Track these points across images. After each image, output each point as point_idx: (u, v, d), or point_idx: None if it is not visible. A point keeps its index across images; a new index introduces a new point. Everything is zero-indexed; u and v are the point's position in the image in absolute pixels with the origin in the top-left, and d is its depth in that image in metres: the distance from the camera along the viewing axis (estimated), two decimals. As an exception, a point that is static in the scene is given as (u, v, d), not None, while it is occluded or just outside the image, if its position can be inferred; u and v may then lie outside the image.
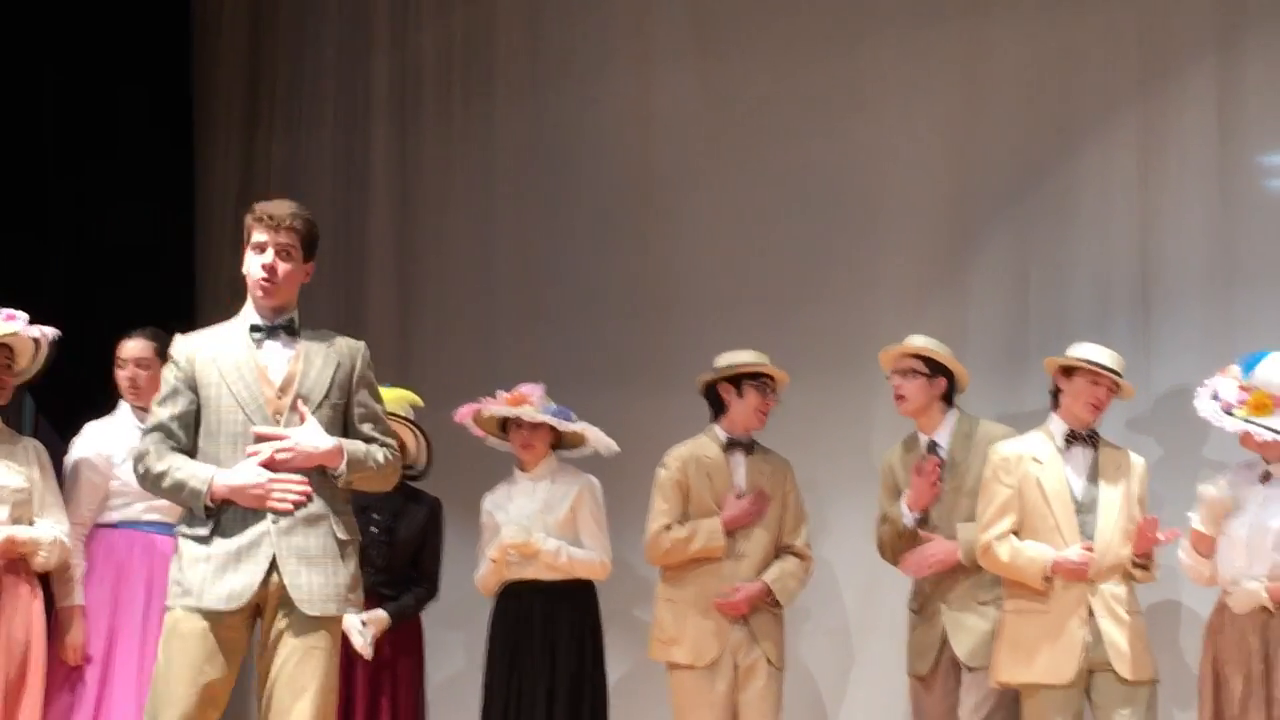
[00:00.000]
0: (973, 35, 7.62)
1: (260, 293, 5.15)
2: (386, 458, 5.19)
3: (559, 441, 7.05)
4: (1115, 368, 6.28)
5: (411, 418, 7.02)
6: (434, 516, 7.06)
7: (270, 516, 4.98)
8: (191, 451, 5.09)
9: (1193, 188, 7.09)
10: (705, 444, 6.84)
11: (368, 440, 5.17)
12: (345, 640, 6.69)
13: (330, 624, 5.03)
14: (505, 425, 7.04)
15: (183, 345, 5.19)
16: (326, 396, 5.13)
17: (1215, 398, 6.05)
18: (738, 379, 6.81)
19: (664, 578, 6.82)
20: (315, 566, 5.00)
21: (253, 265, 5.14)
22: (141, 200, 8.64)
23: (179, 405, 5.10)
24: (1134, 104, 7.24)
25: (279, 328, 5.17)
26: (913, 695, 6.62)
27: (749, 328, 7.49)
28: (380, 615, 6.79)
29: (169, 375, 5.15)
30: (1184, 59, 7.16)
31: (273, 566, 4.96)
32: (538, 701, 6.80)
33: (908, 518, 6.50)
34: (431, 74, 8.83)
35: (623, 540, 7.11)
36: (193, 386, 5.10)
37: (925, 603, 6.53)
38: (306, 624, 4.97)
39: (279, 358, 5.14)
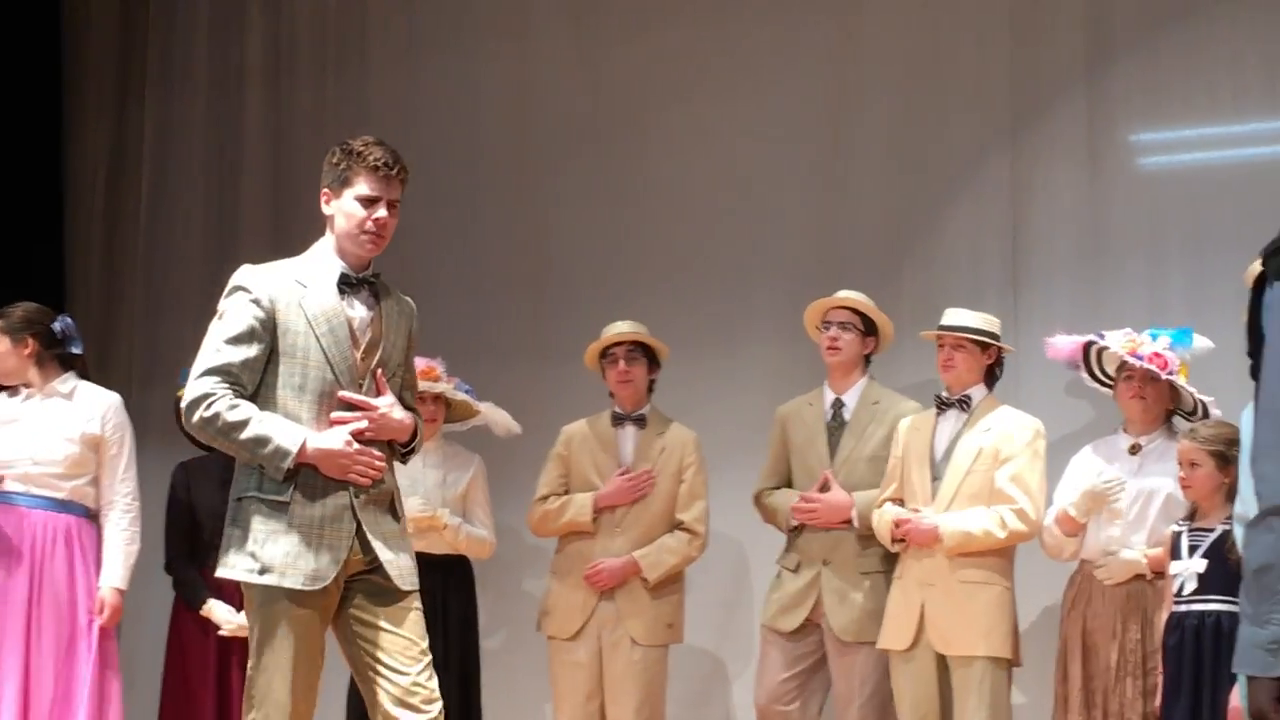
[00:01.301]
0: (847, 12, 7.66)
1: (369, 247, 4.70)
2: (421, 430, 4.88)
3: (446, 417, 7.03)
4: (963, 325, 6.30)
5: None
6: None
7: (352, 490, 4.61)
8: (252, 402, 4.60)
9: (1062, 165, 7.17)
10: (602, 418, 6.84)
11: (408, 409, 4.84)
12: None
13: (416, 597, 4.72)
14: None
15: (259, 280, 4.65)
16: (399, 364, 4.80)
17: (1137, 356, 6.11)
18: (604, 352, 6.80)
19: (556, 550, 6.83)
20: (392, 543, 4.67)
21: (356, 215, 4.67)
22: (5, 168, 8.48)
23: (253, 349, 4.57)
24: (1005, 80, 7.32)
25: (364, 283, 4.75)
26: (765, 646, 6.56)
27: (627, 299, 7.50)
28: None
29: (244, 312, 4.59)
30: (1056, 36, 7.24)
31: (353, 542, 4.60)
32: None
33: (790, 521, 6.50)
34: (305, 42, 8.75)
35: (505, 510, 7.11)
36: (271, 330, 4.59)
37: (803, 563, 6.49)
38: (395, 596, 4.66)
39: (362, 316, 4.72)
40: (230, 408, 4.50)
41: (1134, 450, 6.17)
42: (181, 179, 8.82)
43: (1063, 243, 7.15)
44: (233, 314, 4.59)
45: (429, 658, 4.65)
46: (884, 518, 6.26)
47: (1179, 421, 6.22)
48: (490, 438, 7.15)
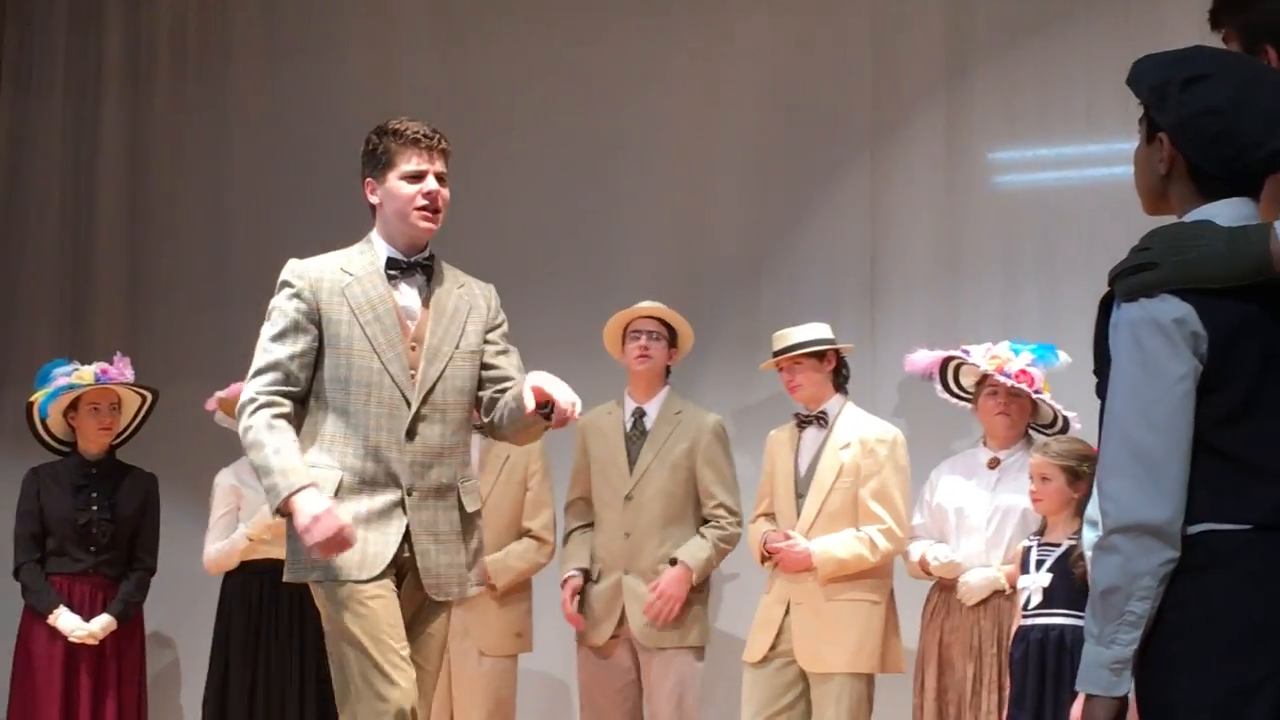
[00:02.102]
0: (713, 24, 7.70)
1: (424, 225, 4.56)
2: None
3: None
4: (792, 344, 6.30)
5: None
6: (152, 492, 6.96)
7: (405, 485, 4.47)
8: (306, 398, 4.50)
9: (920, 181, 7.25)
10: None
11: (501, 382, 4.63)
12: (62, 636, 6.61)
13: (448, 607, 4.62)
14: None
15: (301, 271, 4.56)
16: (458, 346, 4.59)
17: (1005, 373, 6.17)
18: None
19: None
20: (443, 545, 4.53)
21: (405, 194, 4.54)
22: None
23: (300, 342, 4.46)
24: (866, 97, 7.38)
25: (416, 266, 4.61)
26: (583, 662, 6.54)
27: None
28: (107, 621, 6.67)
29: (287, 306, 4.49)
30: (915, 55, 7.32)
31: (405, 540, 4.48)
32: (289, 683, 6.70)
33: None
34: (166, 43, 8.65)
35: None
36: (316, 321, 4.48)
37: (605, 571, 6.45)
38: (423, 607, 4.56)
39: (413, 301, 4.58)
40: (265, 426, 4.35)
41: (993, 464, 6.23)
42: (36, 181, 8.69)
43: (920, 258, 7.23)
44: (277, 310, 4.51)
45: (431, 688, 4.59)
46: (754, 536, 6.30)
47: (1035, 436, 6.29)
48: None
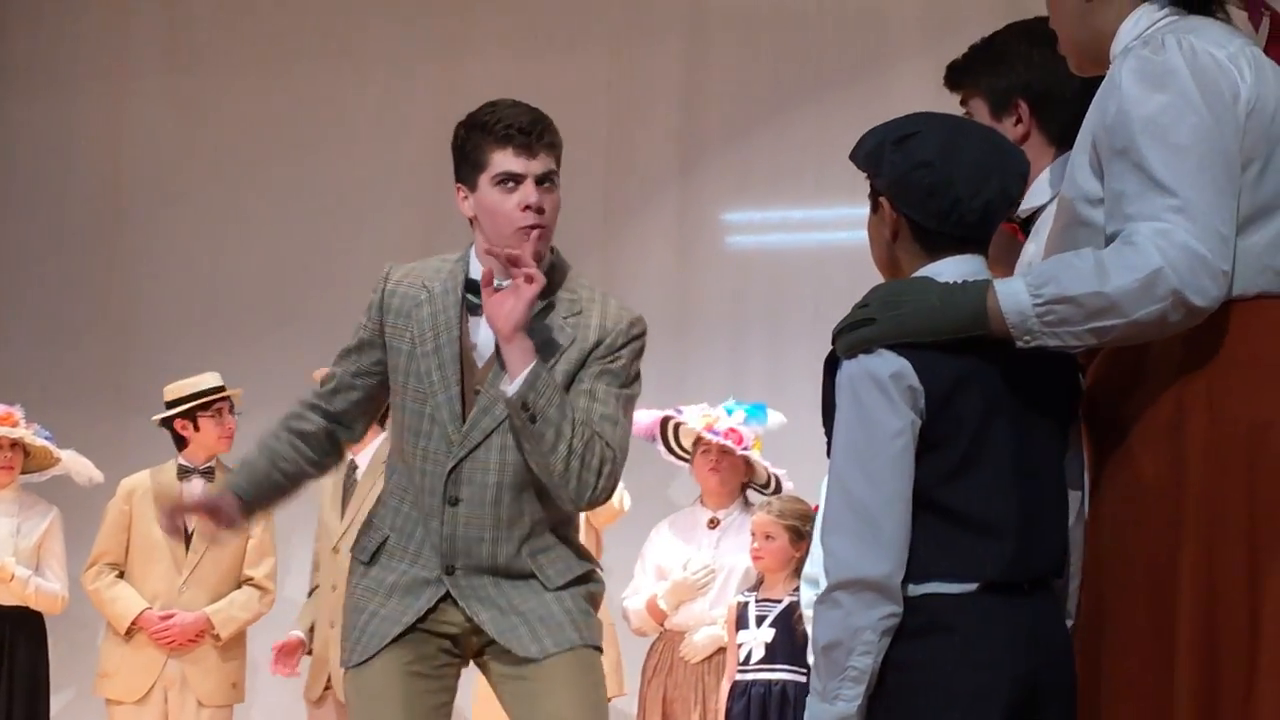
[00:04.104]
0: (450, 71, 7.73)
1: (528, 246, 3.58)
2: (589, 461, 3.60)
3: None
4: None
5: None
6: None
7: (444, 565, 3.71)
8: (356, 423, 3.85)
9: (654, 242, 7.32)
10: (166, 469, 6.69)
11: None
12: None
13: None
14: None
15: (389, 278, 3.77)
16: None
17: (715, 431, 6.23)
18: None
19: None
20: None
21: (501, 208, 3.61)
22: None
23: (351, 364, 3.77)
24: (602, 156, 7.43)
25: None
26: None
27: (214, 349, 7.40)
28: None
29: (361, 319, 3.80)
30: (650, 109, 7.39)
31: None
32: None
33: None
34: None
35: (82, 563, 6.88)
36: (379, 344, 3.73)
37: (318, 624, 6.36)
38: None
39: (487, 336, 3.66)
40: (271, 433, 3.85)
41: (713, 524, 6.29)
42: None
43: (652, 317, 7.26)
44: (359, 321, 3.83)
45: None
46: None
47: (753, 495, 6.37)
48: (70, 487, 6.95)
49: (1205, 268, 2.56)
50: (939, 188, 2.69)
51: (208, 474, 6.64)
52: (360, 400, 3.80)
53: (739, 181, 7.29)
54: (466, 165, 3.67)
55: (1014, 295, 2.62)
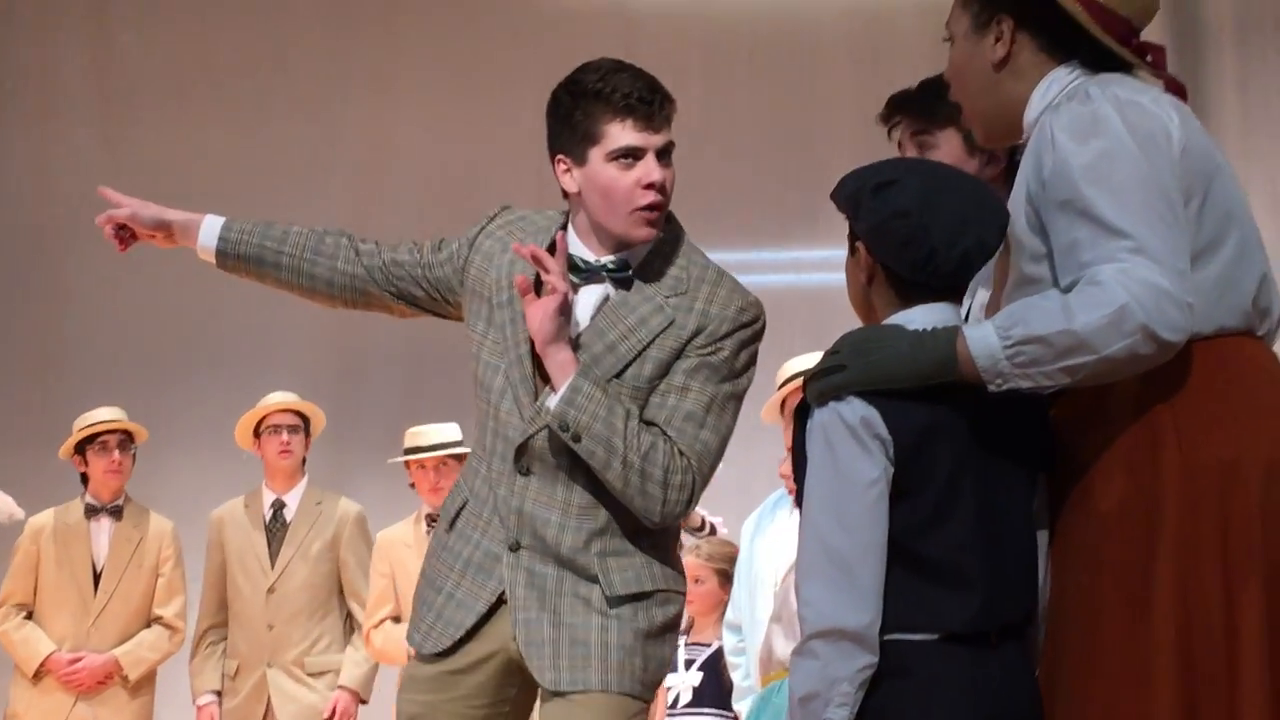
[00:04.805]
0: (379, 114, 7.76)
1: (645, 230, 3.24)
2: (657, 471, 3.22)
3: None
4: (431, 443, 6.34)
5: None
6: None
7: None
8: (368, 284, 3.44)
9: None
10: (72, 508, 6.65)
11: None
12: None
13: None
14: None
15: (496, 217, 3.44)
16: (620, 375, 3.24)
17: None
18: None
19: None
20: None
21: (617, 186, 3.22)
22: None
23: (434, 254, 3.41)
24: (533, 199, 7.42)
25: (605, 270, 3.29)
26: None
27: (137, 387, 7.38)
28: None
29: (455, 242, 3.42)
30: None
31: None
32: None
33: None
34: None
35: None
36: (453, 281, 3.40)
37: (245, 668, 6.39)
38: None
39: (583, 312, 3.28)
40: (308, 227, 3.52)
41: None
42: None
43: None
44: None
45: None
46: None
47: (685, 538, 6.34)
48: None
49: (1170, 301, 2.57)
50: (915, 238, 2.68)
51: (114, 513, 6.55)
52: (401, 278, 3.43)
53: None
54: (574, 136, 3.25)
55: (983, 339, 2.62)
